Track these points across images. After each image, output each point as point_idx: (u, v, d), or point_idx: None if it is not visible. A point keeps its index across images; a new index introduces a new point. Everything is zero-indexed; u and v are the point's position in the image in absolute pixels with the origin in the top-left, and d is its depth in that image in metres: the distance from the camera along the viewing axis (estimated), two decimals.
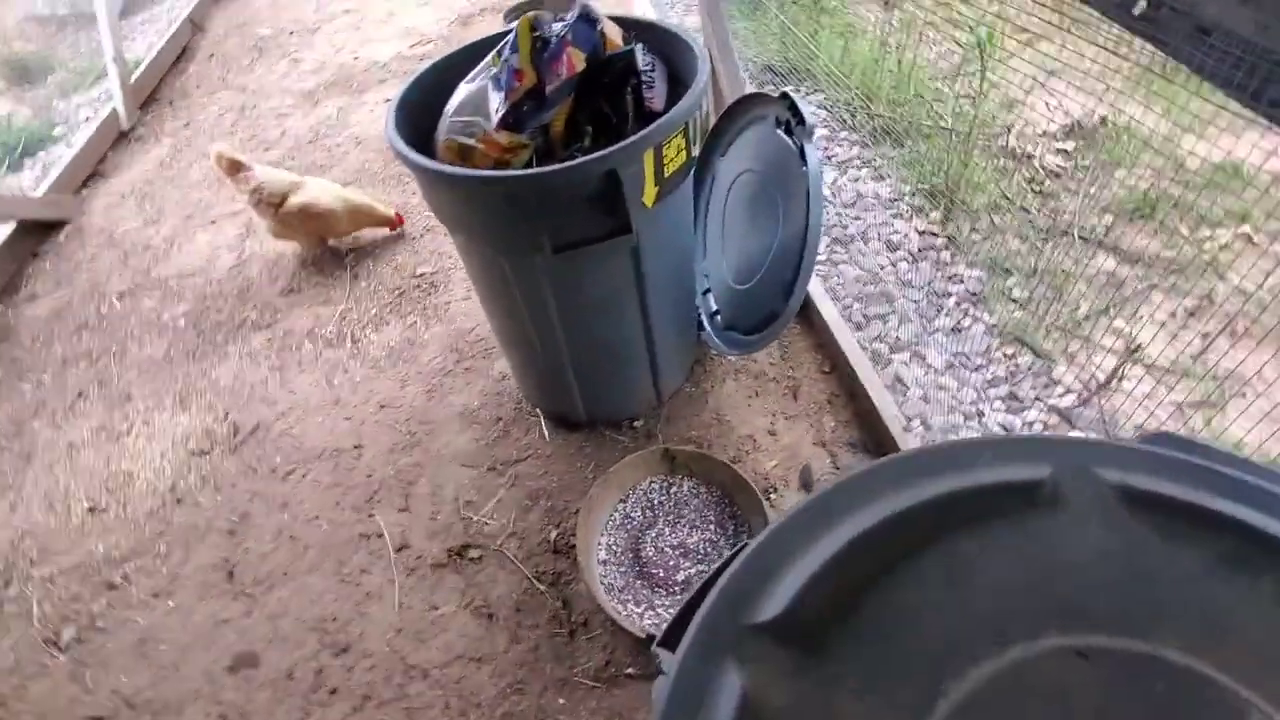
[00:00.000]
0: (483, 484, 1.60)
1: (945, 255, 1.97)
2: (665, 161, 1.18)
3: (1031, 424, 1.51)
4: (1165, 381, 1.62)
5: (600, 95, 1.24)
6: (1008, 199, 2.15)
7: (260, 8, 4.19)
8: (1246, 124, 2.25)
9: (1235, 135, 1.90)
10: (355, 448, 1.73)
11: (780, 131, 1.44)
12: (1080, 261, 1.91)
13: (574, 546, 1.42)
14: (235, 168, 2.11)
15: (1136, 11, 0.75)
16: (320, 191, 2.17)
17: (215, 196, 2.73)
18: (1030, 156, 2.28)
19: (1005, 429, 1.50)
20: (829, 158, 2.41)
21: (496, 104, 1.15)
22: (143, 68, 3.47)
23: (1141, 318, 1.74)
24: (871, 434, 1.55)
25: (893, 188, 2.25)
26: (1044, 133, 2.38)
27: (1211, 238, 1.91)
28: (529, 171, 1.08)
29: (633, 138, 1.09)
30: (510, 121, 1.16)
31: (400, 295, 2.16)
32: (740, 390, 1.72)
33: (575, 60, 1.20)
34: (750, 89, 1.92)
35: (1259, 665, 0.41)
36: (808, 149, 1.35)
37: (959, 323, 1.77)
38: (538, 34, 1.17)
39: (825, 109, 2.61)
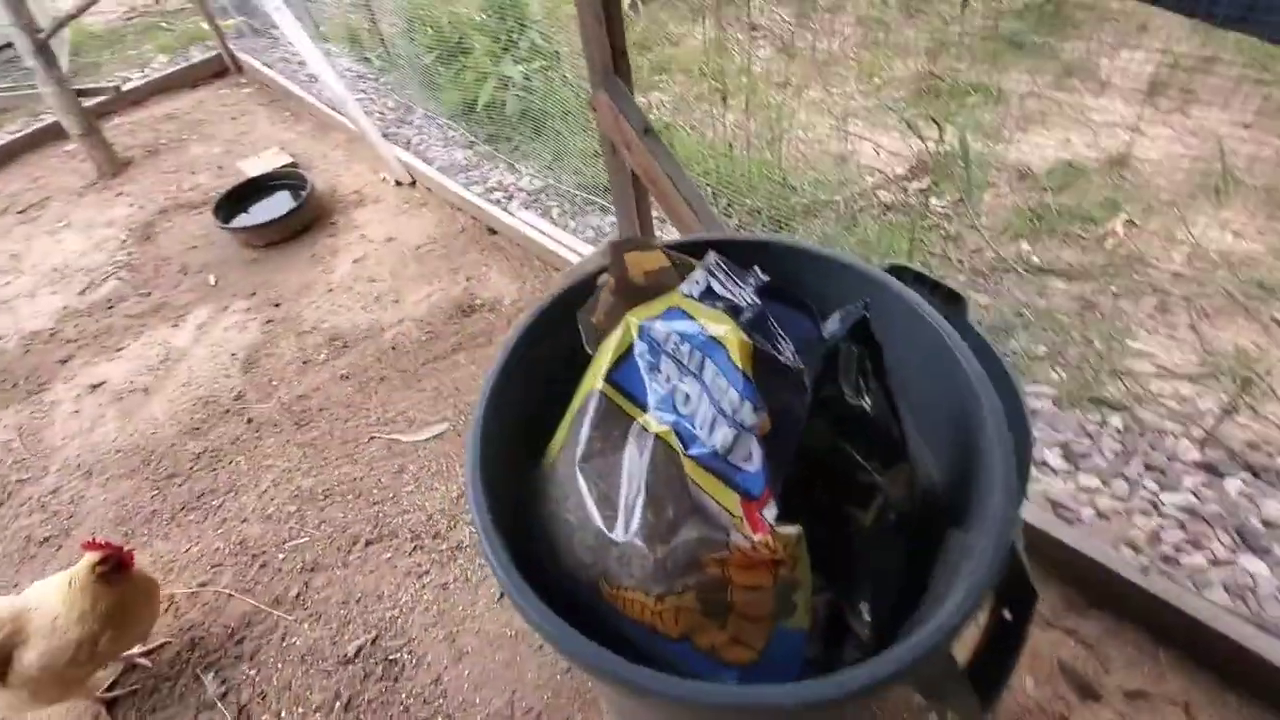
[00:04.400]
0: None
1: None
2: None
3: (1196, 492, 1.42)
4: (1203, 383, 1.67)
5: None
6: (935, 255, 2.11)
7: None
8: (1033, 123, 2.56)
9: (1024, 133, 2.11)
10: None
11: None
12: (1042, 292, 1.92)
13: None
14: None
15: None
16: (53, 613, 1.25)
17: None
18: (911, 205, 2.29)
19: (1191, 512, 1.38)
20: None
21: (755, 487, 0.62)
22: None
23: (1136, 330, 1.79)
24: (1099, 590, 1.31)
25: None
26: (893, 177, 2.43)
27: (1109, 233, 2.08)
28: None
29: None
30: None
31: (348, 707, 1.35)
32: None
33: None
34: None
35: None
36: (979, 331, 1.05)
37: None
38: (765, 353, 0.66)
39: None
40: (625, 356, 0.73)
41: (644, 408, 0.68)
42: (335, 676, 1.39)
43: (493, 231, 2.48)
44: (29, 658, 1.22)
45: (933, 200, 2.29)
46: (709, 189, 2.44)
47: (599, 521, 0.66)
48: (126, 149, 3.22)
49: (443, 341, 2.10)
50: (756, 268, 0.79)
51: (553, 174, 2.64)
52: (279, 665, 1.43)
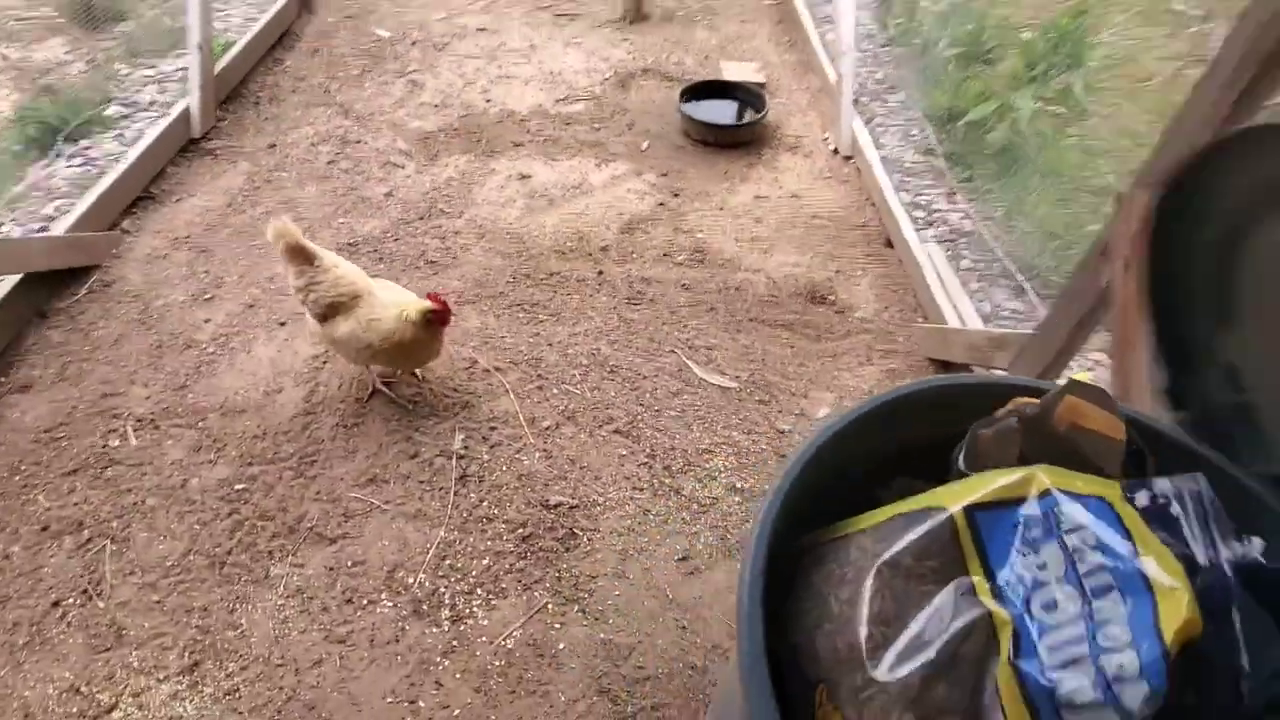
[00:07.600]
0: None
1: None
2: None
3: None
4: None
5: None
6: None
7: None
8: None
9: None
10: None
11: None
12: None
13: None
14: (301, 255, 1.52)
15: None
16: (375, 314, 1.57)
17: None
18: None
19: None
20: None
21: None
22: (233, 52, 2.84)
23: None
24: None
25: None
26: None
27: None
28: None
29: None
30: None
31: (525, 540, 1.52)
32: None
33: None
34: None
35: None
36: None
37: None
38: (1211, 654, 0.51)
39: None
40: (1002, 507, 0.62)
41: (989, 574, 0.57)
42: (531, 511, 1.56)
43: (889, 245, 2.34)
44: (342, 326, 1.57)
45: None
46: None
47: (862, 636, 0.59)
48: (653, 4, 3.62)
49: (778, 310, 2.09)
50: (1256, 538, 0.59)
51: (990, 228, 2.37)
52: (503, 468, 1.64)
